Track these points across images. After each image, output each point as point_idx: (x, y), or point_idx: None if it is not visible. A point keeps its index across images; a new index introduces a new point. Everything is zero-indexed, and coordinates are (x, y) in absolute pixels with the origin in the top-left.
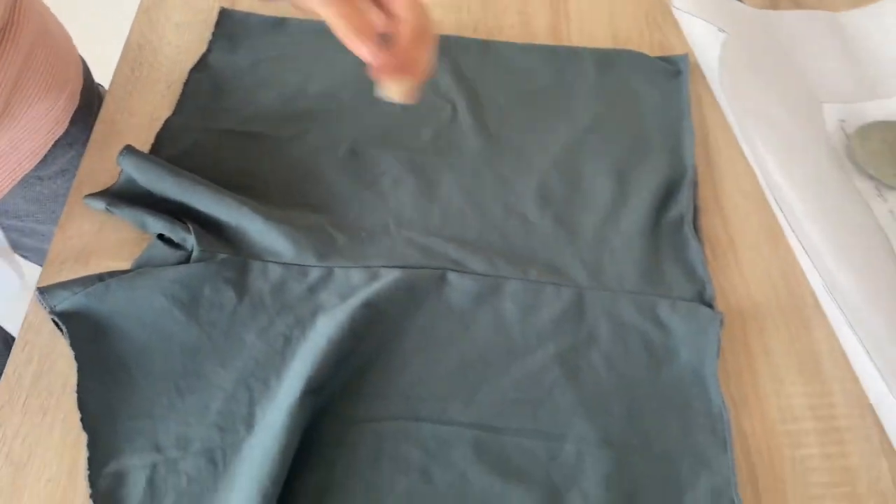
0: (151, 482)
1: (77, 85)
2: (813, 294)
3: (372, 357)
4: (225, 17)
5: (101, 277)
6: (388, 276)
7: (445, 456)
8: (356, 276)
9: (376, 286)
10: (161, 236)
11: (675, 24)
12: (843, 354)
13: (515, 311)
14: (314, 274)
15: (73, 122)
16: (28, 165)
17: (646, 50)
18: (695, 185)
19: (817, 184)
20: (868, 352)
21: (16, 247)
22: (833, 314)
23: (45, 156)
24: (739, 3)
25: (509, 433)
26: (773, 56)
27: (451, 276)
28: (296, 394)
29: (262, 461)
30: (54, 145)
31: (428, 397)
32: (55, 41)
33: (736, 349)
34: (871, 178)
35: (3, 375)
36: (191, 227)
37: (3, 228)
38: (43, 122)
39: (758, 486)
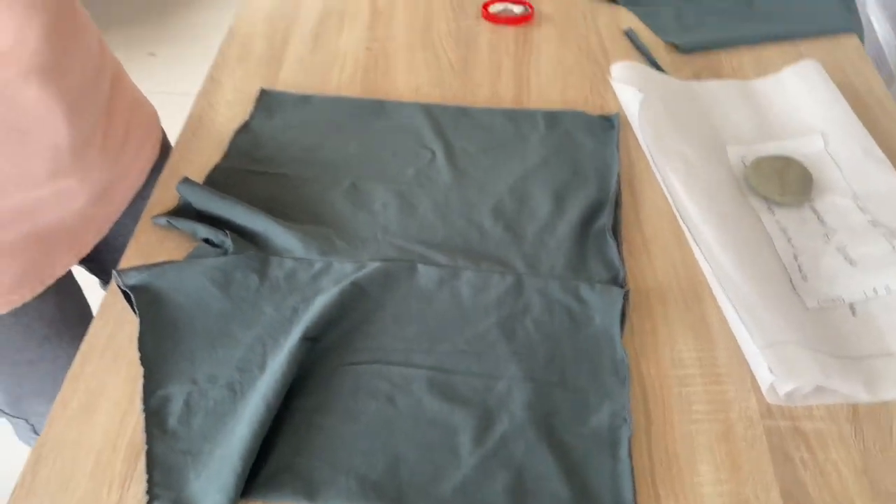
0: (187, 403)
1: (159, 126)
2: (706, 280)
3: (357, 322)
4: (264, 94)
5: (159, 264)
6: (372, 265)
7: (407, 388)
8: (348, 267)
9: (362, 271)
10: (206, 240)
11: (613, 92)
12: (727, 322)
13: (468, 292)
14: (317, 266)
15: (161, 153)
16: (141, 180)
17: (588, 111)
18: (618, 204)
19: (715, 200)
20: (738, 311)
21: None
22: (718, 292)
23: (147, 178)
24: (667, 76)
25: (457, 374)
26: (687, 111)
27: (420, 266)
28: (295, 339)
29: (268, 384)
30: (152, 169)
31: (397, 349)
32: (143, 96)
33: (642, 317)
34: (764, 198)
35: (87, 335)
36: (228, 233)
37: (105, 267)
38: (146, 149)
39: (650, 413)
